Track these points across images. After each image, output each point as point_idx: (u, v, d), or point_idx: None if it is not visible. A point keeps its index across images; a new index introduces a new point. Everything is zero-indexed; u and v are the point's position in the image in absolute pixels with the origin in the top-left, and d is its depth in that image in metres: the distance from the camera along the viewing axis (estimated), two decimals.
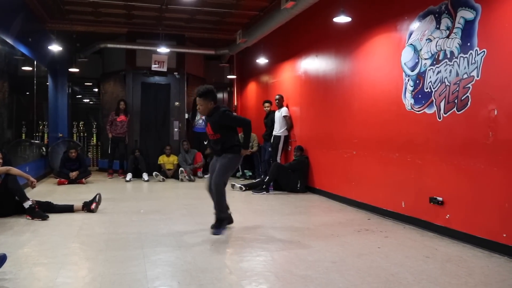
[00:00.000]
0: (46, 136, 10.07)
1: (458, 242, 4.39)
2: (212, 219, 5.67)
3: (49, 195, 7.07)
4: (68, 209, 5.81)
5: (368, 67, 6.11)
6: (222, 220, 4.84)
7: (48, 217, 5.38)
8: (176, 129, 10.88)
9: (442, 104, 4.69)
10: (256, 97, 10.95)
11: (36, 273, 3.44)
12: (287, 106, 8.71)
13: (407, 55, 5.29)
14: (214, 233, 4.69)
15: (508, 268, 3.63)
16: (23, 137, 8.20)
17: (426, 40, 4.95)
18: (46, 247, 4.17)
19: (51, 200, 5.87)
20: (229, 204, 6.92)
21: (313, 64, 7.79)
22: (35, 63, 8.89)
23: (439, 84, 4.73)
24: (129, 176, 9.58)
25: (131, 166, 9.75)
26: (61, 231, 4.84)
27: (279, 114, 8.63)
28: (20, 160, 7.67)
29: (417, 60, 5.11)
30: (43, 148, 9.74)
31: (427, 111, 4.93)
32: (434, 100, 4.81)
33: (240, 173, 9.90)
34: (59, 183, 8.69)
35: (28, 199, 5.41)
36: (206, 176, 10.14)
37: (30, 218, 5.34)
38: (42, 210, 5.45)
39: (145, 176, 9.57)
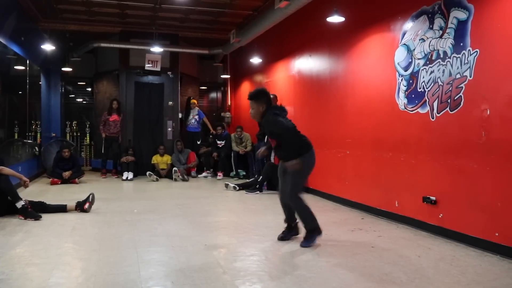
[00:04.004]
0: (39, 135, 10.02)
1: (451, 241, 4.41)
2: (207, 220, 5.67)
3: (42, 195, 7.03)
4: (61, 209, 5.78)
5: (362, 67, 6.13)
6: (312, 231, 4.33)
7: (41, 217, 5.34)
8: (169, 129, 10.85)
9: (435, 104, 4.71)
10: None
11: (28, 274, 3.41)
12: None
13: (400, 55, 5.30)
14: (303, 245, 4.23)
15: (500, 267, 3.65)
16: (16, 136, 8.16)
17: (419, 40, 4.97)
18: (39, 247, 4.15)
19: (44, 200, 5.83)
20: (224, 204, 6.94)
21: (307, 64, 7.80)
22: (27, 62, 8.84)
23: (432, 84, 4.75)
24: (129, 174, 9.57)
25: (125, 164, 9.71)
26: (54, 231, 4.81)
27: None
28: (12, 159, 7.63)
29: (410, 60, 5.13)
30: (36, 147, 9.69)
31: (420, 111, 4.95)
32: (427, 100, 4.83)
33: (234, 172, 9.89)
34: (52, 183, 8.65)
35: (21, 199, 5.38)
36: (200, 175, 10.19)
37: (23, 218, 5.30)
38: (35, 210, 5.41)
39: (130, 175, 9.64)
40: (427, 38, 4.85)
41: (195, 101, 11.18)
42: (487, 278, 3.38)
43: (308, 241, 4.27)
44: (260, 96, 4.44)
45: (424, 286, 3.20)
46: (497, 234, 3.96)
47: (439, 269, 3.60)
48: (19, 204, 5.31)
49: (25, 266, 3.58)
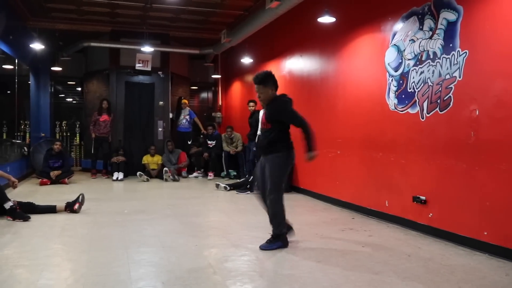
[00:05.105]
0: (28, 135, 9.93)
1: (441, 240, 4.45)
2: (198, 220, 5.65)
3: (31, 196, 6.95)
4: (51, 209, 5.72)
5: (352, 67, 6.15)
6: (278, 236, 4.19)
7: (29, 218, 5.29)
8: (160, 129, 10.82)
9: (425, 104, 4.74)
10: (240, 96, 10.94)
11: (17, 276, 3.38)
12: None
13: (390, 56, 5.33)
14: (263, 248, 4.12)
15: (488, 265, 3.68)
16: (4, 136, 8.08)
17: (410, 40, 5.00)
18: (27, 249, 4.11)
19: (33, 201, 5.77)
20: (215, 204, 6.92)
21: (298, 64, 7.81)
22: (16, 61, 8.75)
23: (422, 84, 4.78)
24: (120, 175, 9.52)
25: (116, 165, 9.65)
26: (43, 232, 4.77)
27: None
28: (1, 160, 7.56)
29: (400, 61, 5.16)
30: (25, 148, 9.60)
31: (410, 111, 4.98)
32: (417, 100, 4.86)
33: (225, 172, 9.88)
34: (41, 184, 8.57)
35: (9, 199, 5.32)
36: (190, 176, 10.17)
37: (11, 219, 5.24)
38: (24, 211, 5.36)
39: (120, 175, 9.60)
40: (417, 39, 4.88)
41: (186, 101, 11.15)
42: (476, 277, 3.41)
43: (271, 245, 4.14)
44: (268, 79, 4.38)
45: (414, 285, 3.22)
46: (485, 233, 4.00)
47: (428, 268, 3.62)
48: (8, 205, 5.26)
49: (13, 268, 3.55)
